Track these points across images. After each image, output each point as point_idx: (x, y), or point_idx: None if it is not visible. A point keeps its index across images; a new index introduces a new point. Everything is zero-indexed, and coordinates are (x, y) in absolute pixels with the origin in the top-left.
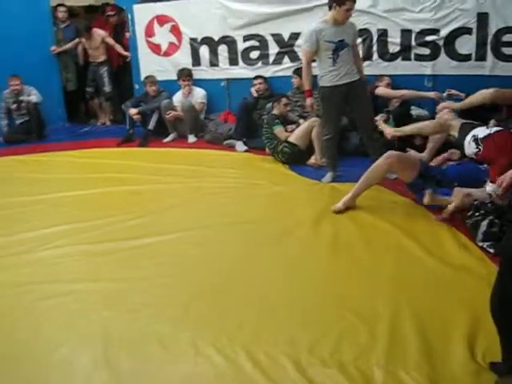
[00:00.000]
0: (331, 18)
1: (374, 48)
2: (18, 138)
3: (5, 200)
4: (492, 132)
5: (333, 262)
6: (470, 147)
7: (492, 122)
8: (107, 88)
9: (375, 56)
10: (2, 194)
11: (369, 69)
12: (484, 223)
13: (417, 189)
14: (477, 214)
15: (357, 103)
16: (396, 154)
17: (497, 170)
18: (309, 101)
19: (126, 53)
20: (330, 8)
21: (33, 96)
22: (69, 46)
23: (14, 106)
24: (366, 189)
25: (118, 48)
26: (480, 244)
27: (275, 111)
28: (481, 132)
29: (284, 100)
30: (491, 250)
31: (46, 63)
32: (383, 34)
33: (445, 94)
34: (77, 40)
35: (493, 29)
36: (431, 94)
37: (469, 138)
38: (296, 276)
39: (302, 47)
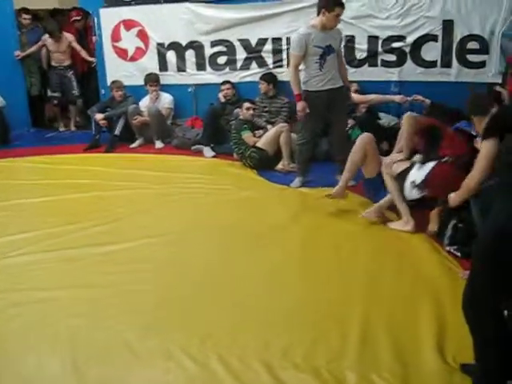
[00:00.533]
0: (319, 23)
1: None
2: None
3: None
4: (429, 171)
5: (306, 266)
6: (411, 193)
7: (417, 157)
8: (76, 91)
9: None
10: None
11: None
12: (449, 227)
13: (372, 188)
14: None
15: (336, 109)
16: (370, 135)
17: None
18: (299, 105)
19: (91, 58)
20: (319, 13)
21: None
22: (33, 49)
23: None
24: (353, 173)
25: (84, 54)
26: (447, 248)
27: (241, 116)
28: (416, 176)
29: (246, 104)
30: (458, 254)
31: (9, 67)
32: (350, 40)
33: (410, 99)
34: (40, 43)
35: (458, 36)
36: (397, 98)
37: (407, 185)
38: (270, 281)
39: (290, 52)
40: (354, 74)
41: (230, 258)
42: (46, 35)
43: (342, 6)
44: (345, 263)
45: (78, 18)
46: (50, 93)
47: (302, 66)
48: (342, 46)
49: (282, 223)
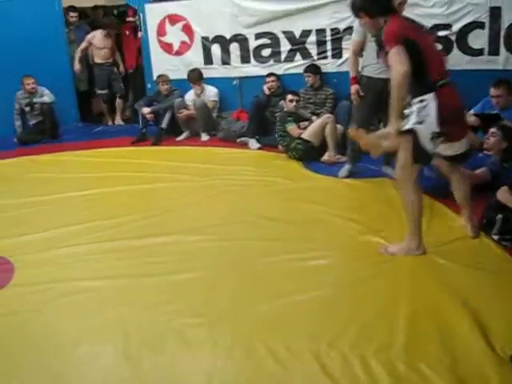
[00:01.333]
0: None
1: None
2: (32, 139)
3: (19, 200)
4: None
5: (362, 261)
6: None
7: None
8: (122, 85)
9: None
10: (17, 194)
11: None
12: (498, 218)
13: None
14: (490, 212)
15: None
16: None
17: None
18: (353, 88)
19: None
20: None
21: (45, 97)
22: (84, 45)
23: (28, 107)
24: None
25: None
26: (495, 238)
27: (286, 108)
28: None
29: (289, 96)
30: (505, 243)
31: (58, 64)
32: None
33: None
34: (90, 38)
35: (505, 23)
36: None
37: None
38: (317, 273)
39: (352, 37)
40: None
41: (277, 250)
42: (98, 31)
43: None
44: (394, 264)
45: (133, 19)
46: (98, 90)
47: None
48: None
49: (333, 213)
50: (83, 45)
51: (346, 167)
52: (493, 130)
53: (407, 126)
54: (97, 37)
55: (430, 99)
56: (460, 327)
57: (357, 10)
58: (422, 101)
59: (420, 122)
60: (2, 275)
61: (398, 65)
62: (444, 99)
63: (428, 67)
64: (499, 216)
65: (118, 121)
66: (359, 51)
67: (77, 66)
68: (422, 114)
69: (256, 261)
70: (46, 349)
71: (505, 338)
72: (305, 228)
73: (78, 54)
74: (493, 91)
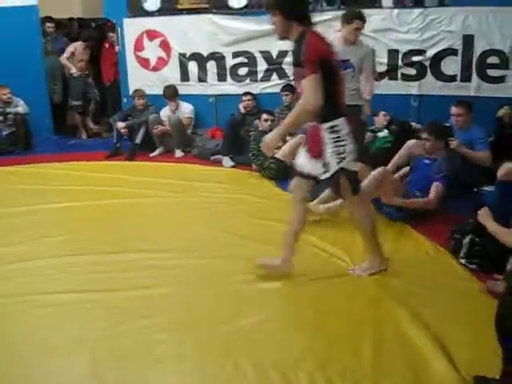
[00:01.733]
0: (342, 35)
1: None
2: (5, 149)
3: None
4: None
5: (327, 281)
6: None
7: None
8: (97, 92)
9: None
10: None
11: None
12: (465, 242)
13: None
14: (457, 235)
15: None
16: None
17: None
18: None
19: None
20: (342, 25)
21: (20, 107)
22: (66, 55)
23: (1, 117)
24: None
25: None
26: (462, 261)
27: (261, 128)
28: None
29: (264, 116)
30: (472, 266)
31: (34, 75)
32: None
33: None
34: (71, 50)
35: (478, 51)
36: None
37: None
38: (280, 293)
39: None
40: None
41: (246, 269)
42: (78, 43)
43: (361, 18)
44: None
45: (113, 34)
46: (72, 102)
47: None
48: (371, 60)
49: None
50: (66, 54)
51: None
52: (423, 135)
53: (335, 168)
54: (77, 49)
55: (341, 124)
56: (424, 347)
57: (273, 6)
58: (332, 127)
59: (344, 158)
60: None
61: (311, 95)
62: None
63: (339, 89)
64: (466, 240)
65: (90, 124)
66: None
67: (73, 69)
68: (339, 146)
69: (227, 279)
70: (16, 360)
71: (468, 359)
72: (275, 246)
73: (64, 61)
74: (453, 110)
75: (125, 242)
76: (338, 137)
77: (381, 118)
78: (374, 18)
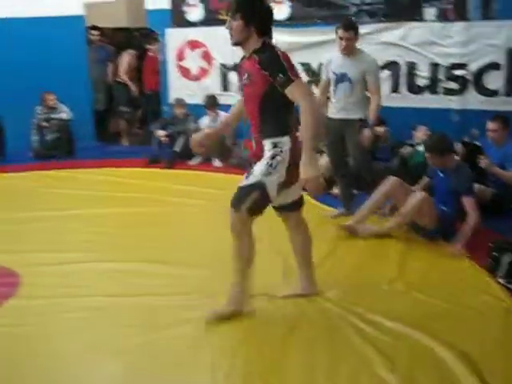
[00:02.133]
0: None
1: (402, 80)
2: (48, 154)
3: (29, 214)
4: None
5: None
6: None
7: None
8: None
9: (403, 88)
10: (28, 208)
11: (396, 101)
12: (505, 262)
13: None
14: (495, 253)
15: (350, 143)
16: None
17: None
18: None
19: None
20: None
21: (63, 113)
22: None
23: (45, 123)
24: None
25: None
26: (501, 281)
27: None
28: None
29: None
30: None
31: (79, 82)
32: (412, 66)
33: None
34: (127, 59)
35: None
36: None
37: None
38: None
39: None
40: (414, 100)
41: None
42: (130, 51)
43: (344, 28)
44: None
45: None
46: (120, 108)
47: None
48: (374, 76)
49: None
50: (123, 69)
51: (339, 210)
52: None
53: (257, 179)
54: (127, 57)
55: (284, 144)
56: (457, 370)
57: (235, 10)
58: (275, 145)
59: (270, 173)
60: (7, 288)
61: (309, 96)
62: (295, 142)
63: (289, 108)
64: (506, 259)
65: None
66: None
67: (132, 85)
68: (273, 163)
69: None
70: (44, 362)
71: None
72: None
73: (124, 78)
74: (489, 125)
75: (156, 251)
76: (276, 154)
77: (420, 134)
78: (416, 31)
